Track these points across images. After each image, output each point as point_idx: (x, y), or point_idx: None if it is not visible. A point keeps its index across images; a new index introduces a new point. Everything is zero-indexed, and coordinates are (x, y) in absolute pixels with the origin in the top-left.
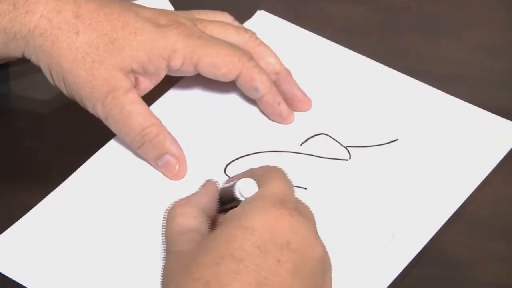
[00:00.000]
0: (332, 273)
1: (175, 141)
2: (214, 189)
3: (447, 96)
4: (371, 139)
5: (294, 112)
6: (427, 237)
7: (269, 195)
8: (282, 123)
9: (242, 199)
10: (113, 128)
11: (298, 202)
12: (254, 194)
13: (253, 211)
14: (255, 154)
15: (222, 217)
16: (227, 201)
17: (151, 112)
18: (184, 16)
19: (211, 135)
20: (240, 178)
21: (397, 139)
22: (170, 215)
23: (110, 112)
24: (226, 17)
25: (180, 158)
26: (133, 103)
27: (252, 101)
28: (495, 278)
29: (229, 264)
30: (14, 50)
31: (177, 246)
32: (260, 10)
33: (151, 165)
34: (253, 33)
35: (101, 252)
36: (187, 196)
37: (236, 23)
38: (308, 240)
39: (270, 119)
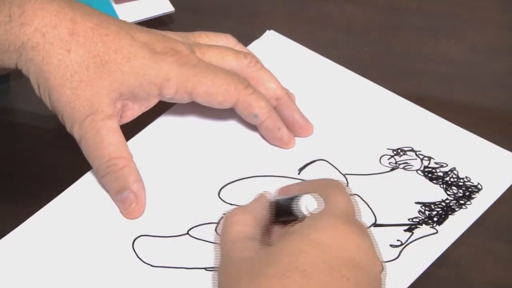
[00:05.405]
0: None
1: (139, 180)
2: (266, 201)
3: (451, 125)
4: (370, 167)
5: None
6: (433, 257)
7: (338, 212)
8: (283, 148)
9: (307, 214)
10: (84, 151)
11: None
12: (321, 210)
13: (323, 226)
14: (250, 178)
15: (279, 229)
16: (283, 213)
17: (124, 145)
18: (182, 41)
19: (207, 157)
20: (302, 193)
21: (398, 167)
22: (228, 222)
23: (84, 135)
24: (228, 40)
25: (139, 198)
26: (109, 130)
27: (251, 125)
28: (495, 278)
29: (299, 279)
30: (7, 62)
31: (235, 253)
32: (269, 30)
33: (111, 197)
34: (253, 58)
35: (102, 260)
36: (243, 205)
37: (239, 46)
38: (370, 256)
39: (270, 143)
